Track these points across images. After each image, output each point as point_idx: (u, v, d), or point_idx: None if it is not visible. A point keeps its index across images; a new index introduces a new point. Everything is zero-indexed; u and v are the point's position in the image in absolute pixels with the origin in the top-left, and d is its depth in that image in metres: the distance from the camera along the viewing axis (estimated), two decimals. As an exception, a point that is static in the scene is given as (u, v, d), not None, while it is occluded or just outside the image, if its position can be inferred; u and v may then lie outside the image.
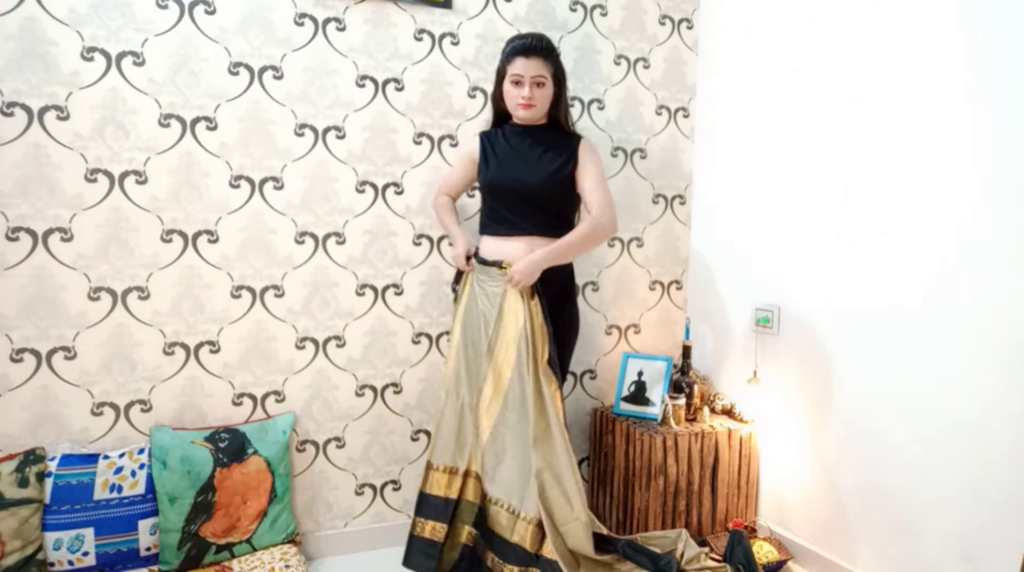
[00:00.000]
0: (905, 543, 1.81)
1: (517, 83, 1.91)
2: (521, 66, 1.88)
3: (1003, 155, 1.57)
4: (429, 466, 1.99)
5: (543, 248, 1.87)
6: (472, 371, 1.96)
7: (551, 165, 1.93)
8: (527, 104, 1.90)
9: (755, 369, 2.28)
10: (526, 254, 1.87)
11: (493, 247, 1.96)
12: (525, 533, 1.80)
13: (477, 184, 2.11)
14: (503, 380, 1.89)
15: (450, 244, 2.26)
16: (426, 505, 1.97)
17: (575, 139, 1.99)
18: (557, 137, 1.98)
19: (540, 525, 1.79)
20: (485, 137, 2.05)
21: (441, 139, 2.24)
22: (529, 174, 1.92)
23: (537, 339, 1.87)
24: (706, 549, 1.99)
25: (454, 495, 1.94)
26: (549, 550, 1.77)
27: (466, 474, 1.95)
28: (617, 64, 2.47)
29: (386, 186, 2.19)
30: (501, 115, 2.05)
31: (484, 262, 1.96)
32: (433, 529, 1.94)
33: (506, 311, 1.90)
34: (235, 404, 2.07)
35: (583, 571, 1.82)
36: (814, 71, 2.07)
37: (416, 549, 1.95)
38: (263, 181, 2.05)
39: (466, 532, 1.94)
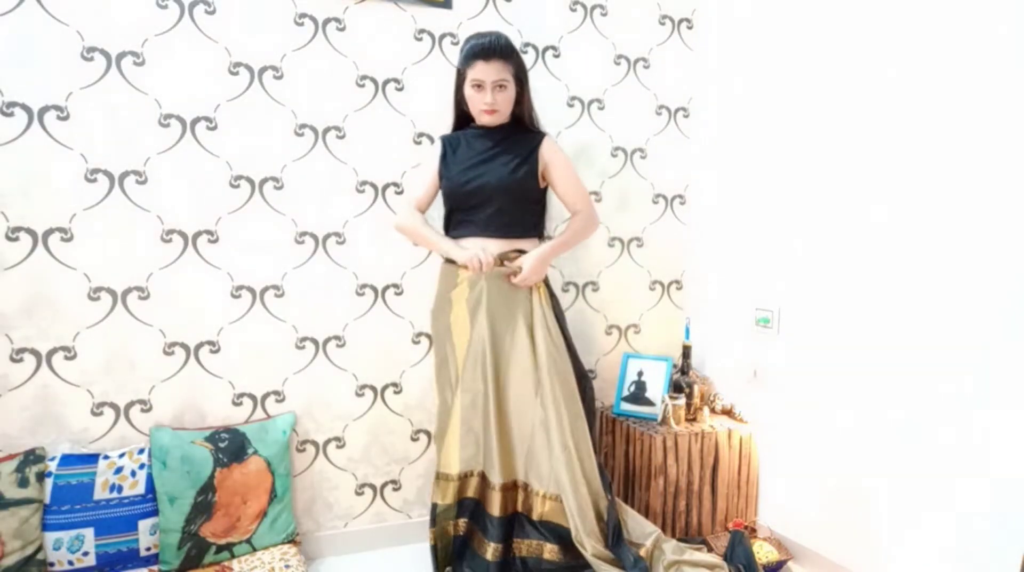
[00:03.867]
0: (905, 543, 1.81)
1: (478, 87, 1.86)
2: (481, 70, 1.82)
3: (1004, 156, 1.57)
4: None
5: (545, 245, 1.94)
6: (458, 372, 1.98)
7: (510, 166, 1.90)
8: (490, 110, 1.87)
9: (755, 369, 2.28)
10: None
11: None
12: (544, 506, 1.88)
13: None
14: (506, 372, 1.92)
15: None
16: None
17: (538, 138, 1.96)
18: (519, 137, 1.95)
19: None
20: (446, 141, 2.01)
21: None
22: (488, 176, 1.89)
23: (551, 327, 1.92)
24: (687, 545, 1.97)
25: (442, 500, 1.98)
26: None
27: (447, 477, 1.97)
28: (617, 64, 2.47)
29: (386, 186, 2.19)
30: (463, 117, 2.01)
31: (451, 262, 1.96)
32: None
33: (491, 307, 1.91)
34: (235, 404, 2.07)
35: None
36: (814, 70, 2.07)
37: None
38: (263, 181, 2.05)
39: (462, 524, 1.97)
